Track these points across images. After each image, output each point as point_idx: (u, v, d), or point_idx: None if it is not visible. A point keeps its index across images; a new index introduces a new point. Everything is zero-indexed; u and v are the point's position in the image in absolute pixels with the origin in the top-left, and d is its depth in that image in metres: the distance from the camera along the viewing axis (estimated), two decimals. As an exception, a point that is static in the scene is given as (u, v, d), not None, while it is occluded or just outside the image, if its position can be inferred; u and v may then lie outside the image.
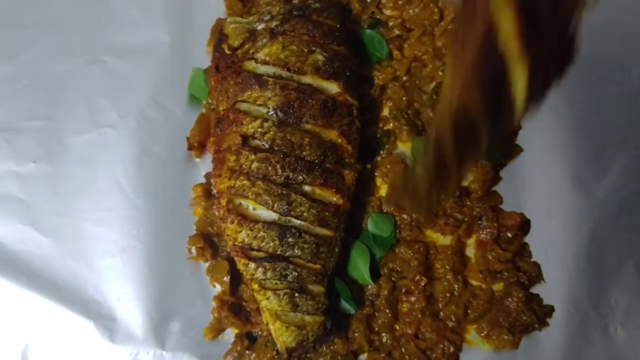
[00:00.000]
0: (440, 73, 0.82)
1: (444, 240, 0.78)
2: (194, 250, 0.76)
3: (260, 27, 0.76)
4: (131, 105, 0.83)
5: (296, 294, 0.68)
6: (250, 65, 0.73)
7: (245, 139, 0.71)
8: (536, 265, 0.77)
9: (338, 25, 0.77)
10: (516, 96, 0.47)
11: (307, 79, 0.73)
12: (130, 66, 0.85)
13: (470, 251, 0.78)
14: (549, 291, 0.76)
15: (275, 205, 0.69)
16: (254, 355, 0.72)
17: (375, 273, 0.74)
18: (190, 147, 0.80)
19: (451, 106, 0.50)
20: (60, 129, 0.82)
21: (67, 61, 0.86)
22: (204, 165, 0.81)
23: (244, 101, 0.72)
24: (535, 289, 0.76)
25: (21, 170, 0.80)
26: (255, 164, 0.69)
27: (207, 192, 0.78)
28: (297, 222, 0.69)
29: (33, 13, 0.89)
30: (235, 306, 0.73)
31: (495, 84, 0.47)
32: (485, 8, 0.45)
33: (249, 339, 0.73)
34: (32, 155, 0.80)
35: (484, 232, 0.77)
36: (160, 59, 0.85)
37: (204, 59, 0.85)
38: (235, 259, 0.71)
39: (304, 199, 0.69)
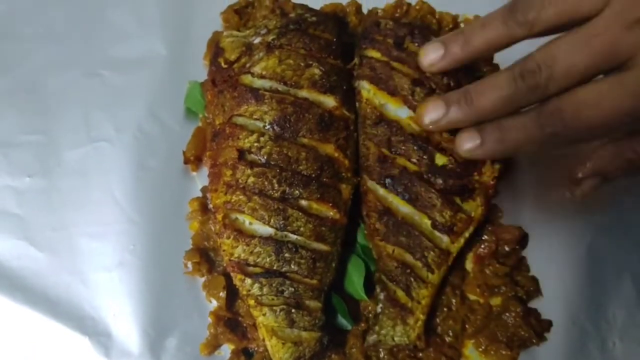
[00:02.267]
0: None
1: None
2: (190, 265, 0.75)
3: (257, 40, 0.76)
4: (127, 119, 0.82)
5: (293, 310, 0.68)
6: (246, 79, 0.73)
7: (242, 153, 0.70)
8: (534, 280, 0.76)
9: (334, 39, 0.77)
10: None
11: (303, 93, 0.72)
12: (127, 79, 0.85)
13: (468, 265, 0.77)
14: (547, 305, 0.75)
15: (272, 220, 0.68)
16: (250, 371, 0.71)
17: (371, 287, 0.74)
18: (186, 161, 0.80)
19: None
20: (56, 143, 0.81)
21: (64, 74, 0.85)
22: (201, 179, 0.80)
23: (240, 115, 0.72)
24: (533, 304, 0.76)
25: (17, 184, 0.79)
26: (251, 179, 0.69)
27: (203, 206, 0.77)
28: (293, 237, 0.69)
29: (29, 26, 0.89)
30: (232, 322, 0.73)
31: None
32: None
33: (245, 355, 0.72)
34: (28, 169, 0.80)
35: (482, 246, 0.76)
36: (157, 72, 0.85)
37: (201, 72, 0.84)
38: (232, 274, 0.70)
39: (300, 213, 0.69)
